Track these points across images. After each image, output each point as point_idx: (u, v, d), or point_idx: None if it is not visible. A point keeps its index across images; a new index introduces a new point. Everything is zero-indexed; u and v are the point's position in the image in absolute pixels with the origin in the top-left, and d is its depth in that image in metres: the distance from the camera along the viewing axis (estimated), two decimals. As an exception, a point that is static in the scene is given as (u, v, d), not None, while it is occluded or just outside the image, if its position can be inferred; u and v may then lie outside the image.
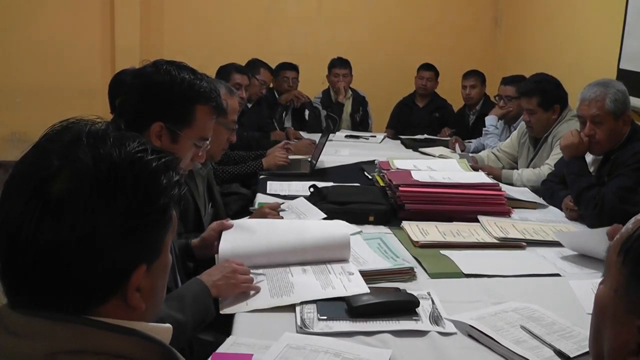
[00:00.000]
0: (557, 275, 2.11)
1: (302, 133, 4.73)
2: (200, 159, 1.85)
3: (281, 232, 2.02)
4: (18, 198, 0.80)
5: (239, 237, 1.98)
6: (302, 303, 1.74)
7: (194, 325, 1.63)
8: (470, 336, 1.66)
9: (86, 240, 0.79)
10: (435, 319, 1.72)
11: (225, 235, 1.99)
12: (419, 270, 2.07)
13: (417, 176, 2.81)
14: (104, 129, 0.87)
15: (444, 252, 2.25)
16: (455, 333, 1.67)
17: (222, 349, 1.54)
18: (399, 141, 4.71)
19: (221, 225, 2.03)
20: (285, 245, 1.97)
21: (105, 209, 0.80)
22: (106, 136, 0.85)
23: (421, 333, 1.65)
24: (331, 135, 4.44)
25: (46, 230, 0.78)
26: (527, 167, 3.64)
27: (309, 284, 1.81)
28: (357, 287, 1.82)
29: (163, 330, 0.89)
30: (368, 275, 1.91)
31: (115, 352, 0.80)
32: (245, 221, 2.12)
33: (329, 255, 1.98)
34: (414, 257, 2.19)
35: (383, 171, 3.04)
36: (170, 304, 1.61)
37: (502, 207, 2.72)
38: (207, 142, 1.84)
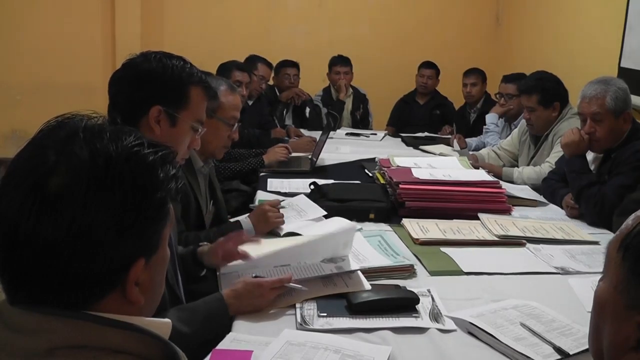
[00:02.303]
0: (557, 272, 2.12)
1: (302, 130, 4.73)
2: (196, 144, 1.85)
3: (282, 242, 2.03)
4: (15, 194, 0.80)
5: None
6: (303, 301, 1.75)
7: (202, 340, 1.60)
8: (470, 333, 1.66)
9: (85, 235, 0.79)
10: (435, 316, 1.72)
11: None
12: (419, 268, 2.07)
13: (417, 174, 2.81)
14: (100, 124, 0.87)
15: (444, 249, 2.25)
16: (455, 330, 1.67)
17: (222, 345, 1.54)
18: (399, 139, 4.71)
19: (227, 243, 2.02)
20: (289, 246, 1.98)
21: (103, 203, 0.80)
22: (102, 131, 0.85)
23: (421, 330, 1.65)
24: (332, 132, 4.43)
25: (44, 226, 0.78)
26: (528, 165, 3.64)
27: (309, 282, 1.81)
28: (359, 284, 1.82)
29: (162, 325, 0.89)
30: (368, 273, 1.91)
31: (115, 347, 0.80)
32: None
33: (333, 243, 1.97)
34: (414, 254, 2.19)
35: (383, 169, 3.04)
36: (181, 314, 1.60)
37: (503, 205, 2.73)
38: (202, 126, 1.84)
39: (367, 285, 1.81)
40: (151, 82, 1.72)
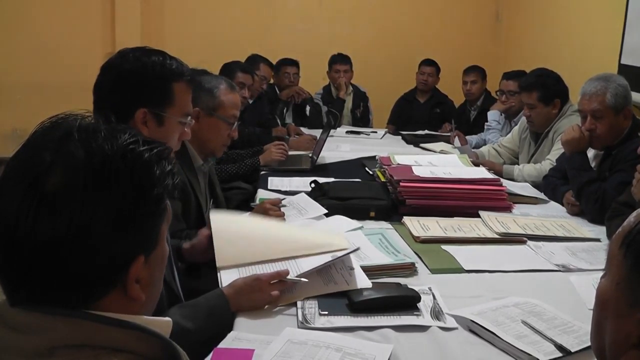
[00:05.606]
0: (558, 270, 2.11)
1: (303, 129, 4.73)
2: (186, 135, 1.84)
3: (273, 230, 2.03)
4: (13, 195, 0.80)
5: (233, 245, 1.92)
6: (304, 299, 1.74)
7: (206, 336, 1.59)
8: (471, 331, 1.66)
9: (83, 234, 0.79)
10: (437, 314, 1.72)
11: (217, 242, 1.92)
12: (420, 266, 2.07)
13: (418, 171, 2.81)
14: (94, 123, 0.87)
15: (445, 247, 2.25)
16: (456, 328, 1.67)
17: (223, 344, 1.53)
18: (399, 137, 4.71)
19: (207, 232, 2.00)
20: (283, 240, 1.96)
21: (101, 202, 0.80)
22: (97, 130, 0.85)
23: (422, 328, 1.65)
24: (332, 131, 4.43)
25: (43, 225, 0.78)
26: (528, 162, 3.64)
27: (310, 280, 1.81)
28: (359, 281, 1.82)
29: (163, 324, 0.89)
30: (369, 271, 1.90)
31: (116, 346, 0.80)
32: (231, 223, 2.04)
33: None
34: (415, 252, 2.19)
35: (384, 167, 3.04)
36: (183, 311, 1.60)
37: (503, 202, 2.72)
38: (190, 117, 1.83)
39: (367, 282, 1.81)
40: (133, 84, 1.71)
